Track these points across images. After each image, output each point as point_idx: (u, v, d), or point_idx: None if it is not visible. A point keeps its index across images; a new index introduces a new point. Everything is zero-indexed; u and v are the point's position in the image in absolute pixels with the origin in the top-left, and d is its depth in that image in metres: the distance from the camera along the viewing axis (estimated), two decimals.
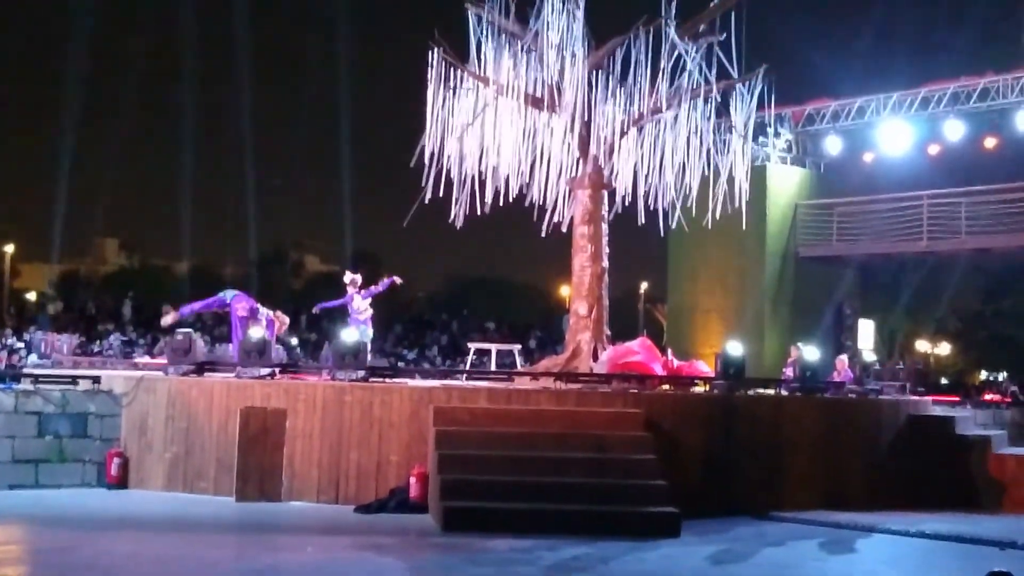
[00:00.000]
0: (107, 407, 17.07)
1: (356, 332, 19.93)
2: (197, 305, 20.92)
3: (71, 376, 17.77)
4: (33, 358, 28.21)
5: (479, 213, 20.17)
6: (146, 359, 28.02)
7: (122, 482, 16.76)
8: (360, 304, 21.39)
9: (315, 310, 23.09)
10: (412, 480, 15.38)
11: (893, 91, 30.76)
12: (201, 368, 17.74)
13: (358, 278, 21.70)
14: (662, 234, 21.48)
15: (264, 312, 19.96)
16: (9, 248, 51.23)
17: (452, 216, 19.96)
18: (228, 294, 20.54)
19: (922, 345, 52.31)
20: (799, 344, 22.07)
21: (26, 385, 17.09)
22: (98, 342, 34.54)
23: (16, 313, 41.03)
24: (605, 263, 20.55)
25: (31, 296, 51.52)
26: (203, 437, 16.70)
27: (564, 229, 21.02)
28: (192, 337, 18.21)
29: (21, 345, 31.68)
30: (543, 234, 20.61)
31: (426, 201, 19.84)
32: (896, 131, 30.69)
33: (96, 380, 17.45)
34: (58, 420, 16.67)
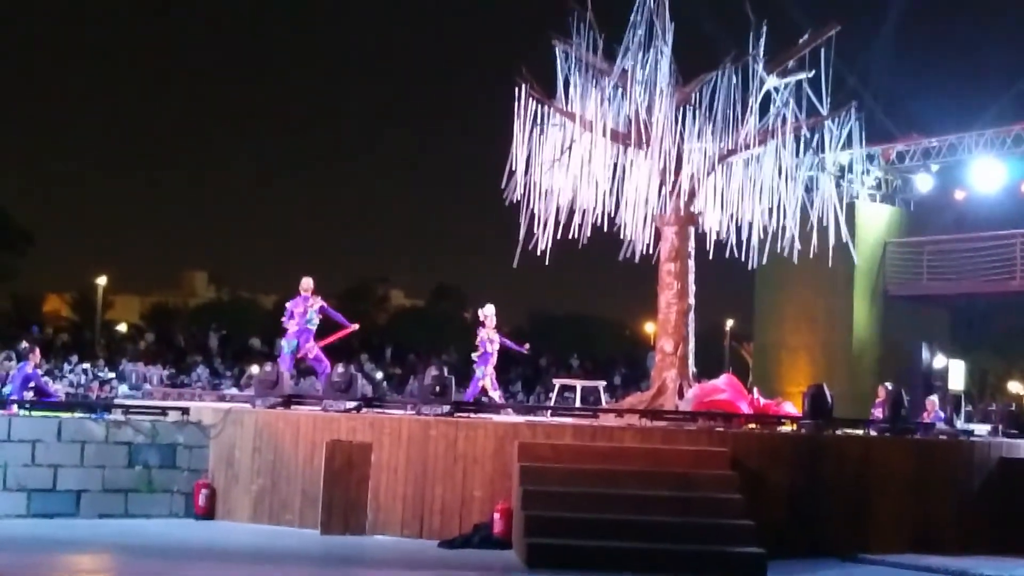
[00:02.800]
0: (195, 438, 17.24)
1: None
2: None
3: (161, 407, 18.01)
4: (124, 389, 28.74)
5: (564, 249, 20.17)
6: (233, 391, 28.41)
7: (209, 513, 16.89)
8: (491, 335, 21.24)
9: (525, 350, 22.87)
10: (496, 516, 15.33)
11: (986, 128, 30.35)
12: (288, 401, 17.89)
13: (492, 316, 21.43)
14: (749, 270, 21.27)
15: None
16: (102, 280, 52.10)
17: (538, 251, 19.92)
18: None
19: (1014, 386, 51.30)
20: (888, 384, 21.74)
21: (117, 415, 17.31)
22: (188, 374, 35.04)
23: (107, 344, 41.77)
24: (691, 300, 20.39)
25: (122, 327, 52.34)
26: (289, 469, 16.80)
27: (639, 263, 20.89)
28: (280, 370, 18.36)
29: (112, 376, 32.25)
30: (628, 271, 20.57)
31: (526, 239, 19.79)
32: (989, 169, 30.26)
33: (185, 411, 17.66)
34: (148, 450, 16.86)
